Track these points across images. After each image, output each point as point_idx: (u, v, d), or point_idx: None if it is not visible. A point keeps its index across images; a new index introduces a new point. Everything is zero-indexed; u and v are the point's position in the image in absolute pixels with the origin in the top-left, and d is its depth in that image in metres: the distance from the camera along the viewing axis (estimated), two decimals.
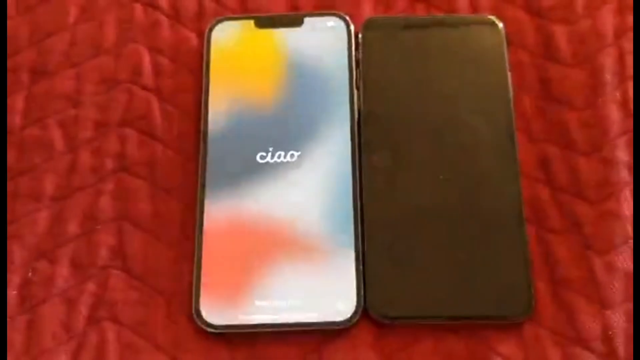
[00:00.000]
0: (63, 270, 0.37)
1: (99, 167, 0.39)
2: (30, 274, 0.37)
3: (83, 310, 0.36)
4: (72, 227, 0.38)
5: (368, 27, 0.41)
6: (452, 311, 0.35)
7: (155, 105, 0.40)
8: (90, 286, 0.37)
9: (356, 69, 0.40)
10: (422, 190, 0.37)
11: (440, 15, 0.42)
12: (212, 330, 0.35)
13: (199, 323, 0.35)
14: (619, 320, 0.35)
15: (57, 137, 0.40)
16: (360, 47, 0.40)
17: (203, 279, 0.36)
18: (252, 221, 0.37)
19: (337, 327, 0.35)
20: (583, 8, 0.41)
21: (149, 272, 0.37)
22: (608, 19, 0.41)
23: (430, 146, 0.38)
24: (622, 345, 0.35)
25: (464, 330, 0.35)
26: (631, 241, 0.37)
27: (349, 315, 0.35)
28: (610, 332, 0.35)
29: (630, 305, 0.35)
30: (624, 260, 0.36)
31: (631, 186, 0.38)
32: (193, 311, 0.35)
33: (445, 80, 0.39)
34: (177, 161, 0.39)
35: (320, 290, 0.35)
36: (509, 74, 0.39)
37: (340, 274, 0.36)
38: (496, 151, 0.38)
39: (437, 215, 0.37)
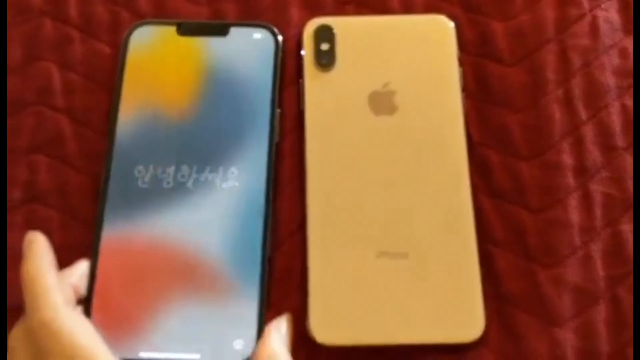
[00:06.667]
0: None
1: (7, 199, 0.36)
2: None
3: None
4: None
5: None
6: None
7: (67, 126, 0.37)
8: None
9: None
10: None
11: (392, 15, 0.39)
12: None
13: None
14: (568, 338, 0.33)
15: None
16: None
17: (93, 308, 0.33)
18: (150, 249, 0.34)
19: None
20: (522, 1, 0.38)
21: None
22: (548, 13, 0.38)
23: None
24: None
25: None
26: (580, 252, 0.34)
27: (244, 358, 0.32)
28: (558, 351, 0.32)
29: (579, 322, 0.33)
30: (572, 273, 0.34)
31: (578, 192, 0.35)
32: None
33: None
34: (89, 187, 0.36)
35: (215, 329, 0.32)
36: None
37: (239, 315, 0.32)
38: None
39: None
